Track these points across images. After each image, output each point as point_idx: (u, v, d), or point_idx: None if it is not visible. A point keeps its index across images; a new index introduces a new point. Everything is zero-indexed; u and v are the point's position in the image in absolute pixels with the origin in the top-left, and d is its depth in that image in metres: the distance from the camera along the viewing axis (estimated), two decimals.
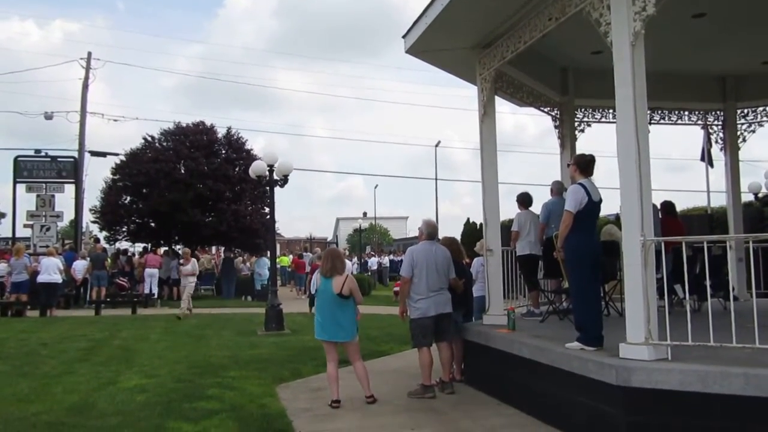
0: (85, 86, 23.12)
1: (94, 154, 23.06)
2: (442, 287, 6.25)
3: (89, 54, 23.53)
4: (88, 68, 23.31)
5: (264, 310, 12.06)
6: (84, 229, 26.31)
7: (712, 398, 3.90)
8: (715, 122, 9.97)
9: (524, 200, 7.87)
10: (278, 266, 21.66)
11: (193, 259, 14.68)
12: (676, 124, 9.88)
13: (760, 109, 9.68)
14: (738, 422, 3.85)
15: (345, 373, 6.28)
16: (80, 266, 17.24)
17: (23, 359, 8.57)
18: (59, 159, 21.34)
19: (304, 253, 26.38)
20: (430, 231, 6.52)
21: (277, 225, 15.48)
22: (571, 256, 5.21)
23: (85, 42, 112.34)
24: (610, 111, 9.21)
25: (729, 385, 3.85)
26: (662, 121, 9.78)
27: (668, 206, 8.17)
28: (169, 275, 19.26)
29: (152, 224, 21.13)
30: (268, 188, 12.92)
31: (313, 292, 6.08)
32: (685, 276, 4.45)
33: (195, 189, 19.92)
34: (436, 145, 40.45)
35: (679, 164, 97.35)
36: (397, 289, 12.21)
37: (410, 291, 6.22)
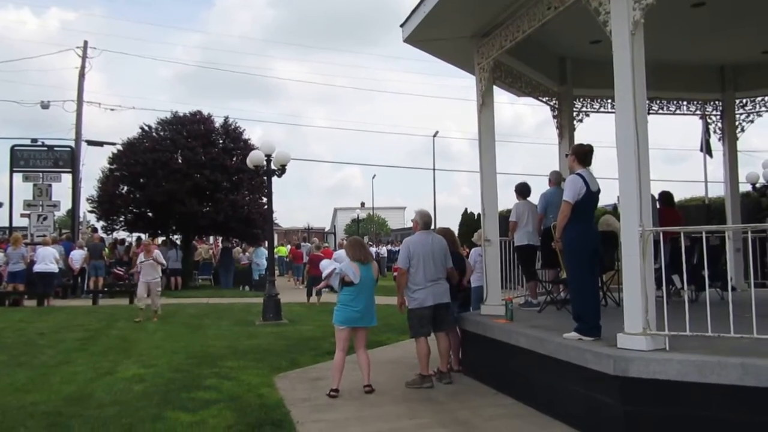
0: (82, 75, 23.00)
1: (90, 143, 22.97)
2: (440, 277, 6.24)
3: (85, 43, 23.42)
4: (84, 57, 23.17)
5: (262, 300, 12.07)
6: (81, 219, 26.23)
7: (710, 388, 3.91)
8: (714, 112, 9.94)
9: (522, 190, 7.87)
10: (276, 256, 21.60)
11: (157, 251, 12.71)
12: (674, 114, 9.87)
13: (759, 98, 9.66)
14: (736, 412, 3.86)
15: None
16: (77, 256, 17.19)
17: (20, 349, 8.57)
18: (56, 148, 21.28)
19: (302, 243, 26.43)
20: (426, 221, 6.50)
21: (274, 215, 15.45)
22: (569, 246, 5.21)
23: (82, 31, 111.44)
24: (609, 101, 9.19)
25: (727, 375, 3.86)
26: (661, 111, 9.75)
27: (666, 196, 8.17)
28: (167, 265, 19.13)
29: (149, 214, 21.03)
30: (265, 178, 12.88)
31: (336, 285, 6.02)
32: (683, 266, 4.44)
33: (192, 179, 19.81)
34: (434, 135, 40.38)
35: (677, 155, 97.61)
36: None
37: (408, 282, 6.21)
